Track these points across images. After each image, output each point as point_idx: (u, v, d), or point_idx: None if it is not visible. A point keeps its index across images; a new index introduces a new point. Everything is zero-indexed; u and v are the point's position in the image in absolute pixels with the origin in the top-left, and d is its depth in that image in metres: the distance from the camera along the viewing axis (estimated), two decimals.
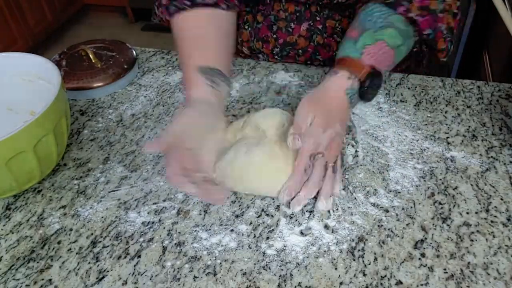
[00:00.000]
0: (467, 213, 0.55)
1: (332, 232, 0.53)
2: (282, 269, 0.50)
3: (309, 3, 0.76)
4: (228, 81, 0.64)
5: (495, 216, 0.54)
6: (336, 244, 0.52)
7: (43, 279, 0.50)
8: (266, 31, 0.80)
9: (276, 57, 0.82)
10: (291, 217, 0.55)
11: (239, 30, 0.83)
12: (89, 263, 0.52)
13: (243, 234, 0.54)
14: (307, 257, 0.51)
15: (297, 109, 0.57)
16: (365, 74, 0.58)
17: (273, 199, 0.58)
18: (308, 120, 0.56)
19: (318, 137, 0.55)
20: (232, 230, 0.54)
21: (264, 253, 0.52)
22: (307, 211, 0.56)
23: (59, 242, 0.54)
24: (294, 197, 0.55)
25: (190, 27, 0.67)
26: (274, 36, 0.79)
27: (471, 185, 0.58)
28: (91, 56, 0.80)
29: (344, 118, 0.59)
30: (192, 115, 0.58)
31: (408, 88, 0.75)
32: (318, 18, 0.77)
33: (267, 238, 0.53)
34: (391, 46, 0.60)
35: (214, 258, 0.51)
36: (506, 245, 0.51)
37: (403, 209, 0.55)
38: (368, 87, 0.58)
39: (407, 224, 0.54)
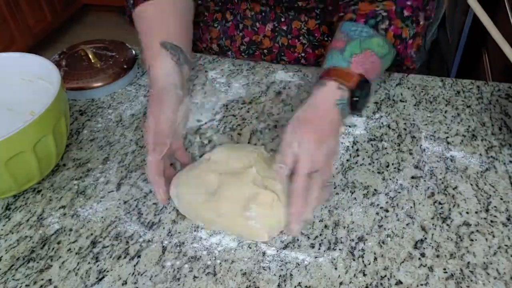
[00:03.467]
0: (467, 213, 0.55)
1: (332, 232, 0.53)
2: (282, 269, 0.50)
3: (274, 5, 0.76)
4: (190, 63, 0.64)
5: (495, 216, 0.54)
6: (336, 244, 0.52)
7: (42, 279, 0.50)
8: (234, 30, 0.81)
9: (243, 54, 0.83)
10: None
11: (209, 28, 0.83)
12: (89, 263, 0.52)
13: None
14: (307, 257, 0.51)
15: (283, 134, 0.54)
16: (355, 83, 0.55)
17: None
18: (295, 144, 0.52)
19: (313, 155, 0.52)
20: None
21: (264, 253, 0.52)
22: None
23: (58, 242, 0.54)
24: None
25: (148, 10, 0.67)
26: (241, 34, 0.80)
27: (471, 184, 0.58)
28: (90, 56, 0.80)
29: (337, 132, 0.56)
30: (159, 112, 0.58)
31: (408, 88, 0.75)
32: (283, 19, 0.77)
33: None
34: (379, 55, 0.59)
35: (214, 258, 0.51)
36: (506, 245, 0.51)
37: (402, 209, 0.55)
38: (359, 97, 0.55)
39: (407, 224, 0.54)
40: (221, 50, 0.84)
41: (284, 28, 0.78)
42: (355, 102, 0.55)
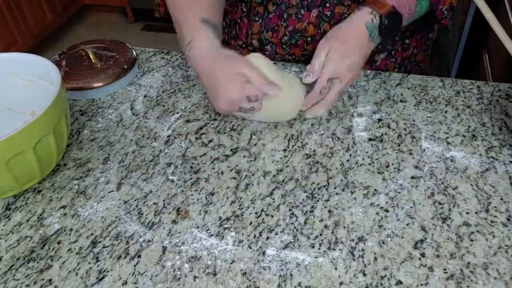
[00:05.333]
0: (467, 213, 0.55)
1: (332, 232, 0.53)
2: (282, 269, 0.50)
3: None
4: (220, 39, 0.69)
5: (495, 216, 0.54)
6: (336, 244, 0.52)
7: (43, 279, 0.51)
8: (277, 20, 0.80)
9: (284, 46, 0.82)
10: (291, 217, 0.55)
11: (250, 23, 0.83)
12: (89, 263, 0.52)
13: (243, 234, 0.54)
14: (307, 257, 0.51)
15: (317, 47, 0.66)
16: (387, 11, 0.64)
17: (273, 199, 0.58)
18: (322, 55, 0.64)
19: (336, 64, 0.64)
20: (232, 230, 0.54)
21: (264, 253, 0.52)
22: (307, 211, 0.56)
23: (59, 242, 0.54)
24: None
25: None
26: (284, 24, 0.80)
27: (471, 185, 0.58)
28: (91, 56, 0.80)
29: (364, 50, 0.65)
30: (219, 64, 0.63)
31: (408, 88, 0.75)
32: (328, 5, 0.77)
33: (267, 238, 0.53)
34: None
35: (214, 258, 0.51)
36: (506, 245, 0.51)
37: (402, 209, 0.56)
38: (387, 23, 0.64)
39: (407, 224, 0.54)
40: (261, 44, 0.84)
41: (328, 13, 0.78)
42: (384, 28, 0.64)
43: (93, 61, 0.80)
